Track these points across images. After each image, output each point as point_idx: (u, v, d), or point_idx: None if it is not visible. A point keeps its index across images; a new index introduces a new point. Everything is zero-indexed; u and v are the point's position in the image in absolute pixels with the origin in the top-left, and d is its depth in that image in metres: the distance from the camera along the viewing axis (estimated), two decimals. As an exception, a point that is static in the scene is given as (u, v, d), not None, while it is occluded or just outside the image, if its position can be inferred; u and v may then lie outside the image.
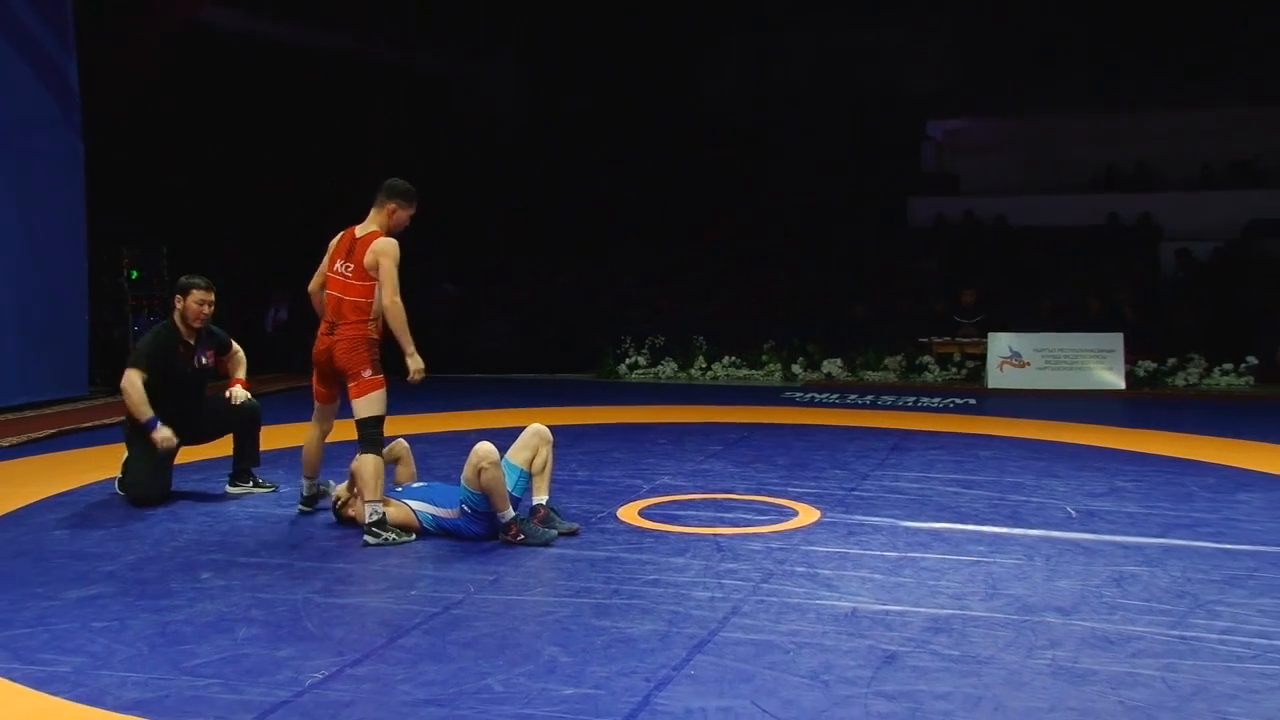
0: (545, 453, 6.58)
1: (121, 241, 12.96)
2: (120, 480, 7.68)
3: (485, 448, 6.29)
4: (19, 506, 7.36)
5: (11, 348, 11.07)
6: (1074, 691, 4.29)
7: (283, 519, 7.02)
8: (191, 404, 7.60)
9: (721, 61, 21.23)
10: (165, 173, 15.55)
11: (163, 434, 7.28)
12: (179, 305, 7.55)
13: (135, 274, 13.11)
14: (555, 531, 6.40)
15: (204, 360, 7.68)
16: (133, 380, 7.27)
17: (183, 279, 7.64)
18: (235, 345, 8.00)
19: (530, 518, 6.40)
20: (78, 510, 7.29)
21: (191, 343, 7.57)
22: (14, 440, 9.67)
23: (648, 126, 19.61)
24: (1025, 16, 19.33)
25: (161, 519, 7.02)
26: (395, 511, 6.56)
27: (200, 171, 16.19)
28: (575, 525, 6.60)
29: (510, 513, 6.32)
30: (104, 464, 8.67)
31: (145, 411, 7.27)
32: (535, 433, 6.63)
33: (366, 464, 6.46)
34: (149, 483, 7.40)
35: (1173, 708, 4.16)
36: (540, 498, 6.53)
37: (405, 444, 7.16)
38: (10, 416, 10.71)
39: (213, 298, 7.60)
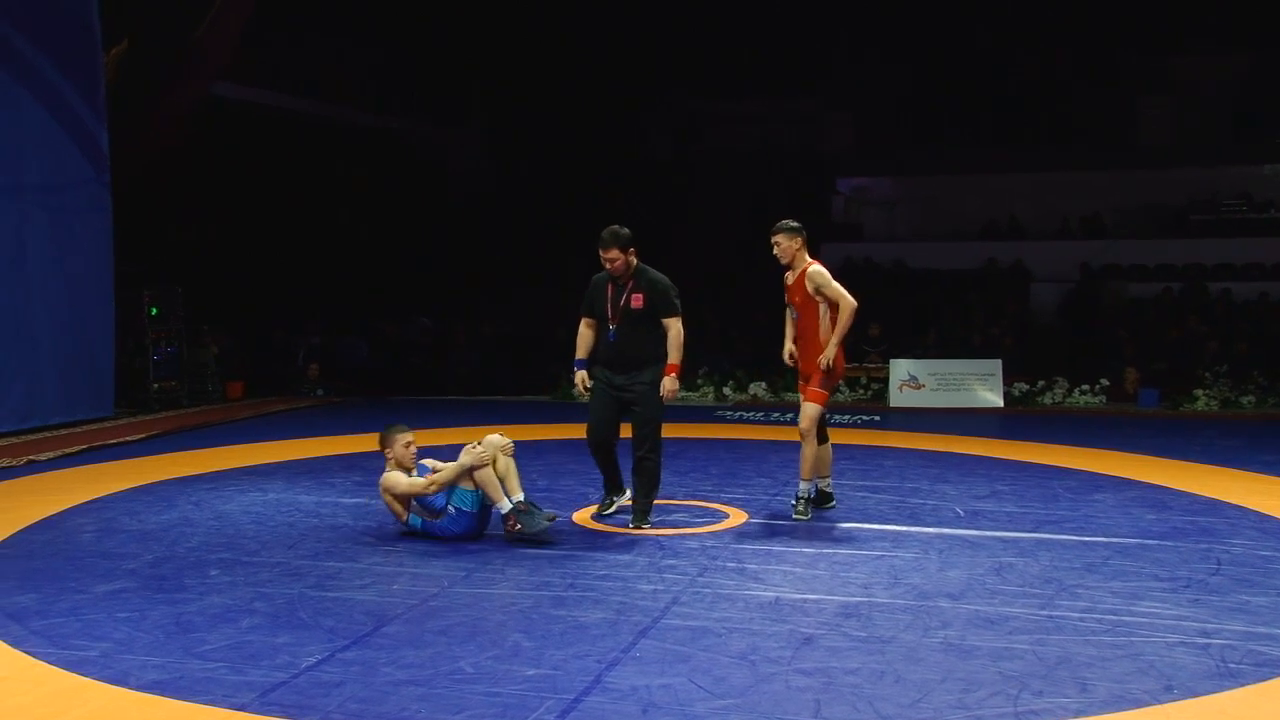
0: (503, 460, 6.33)
1: (144, 283, 12.85)
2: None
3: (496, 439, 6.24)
4: (55, 512, 7.22)
5: (49, 374, 11.02)
6: (961, 665, 4.32)
7: (281, 523, 6.91)
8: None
9: (662, 123, 21.30)
10: (182, 224, 15.43)
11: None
12: None
13: (155, 311, 12.99)
14: (545, 522, 6.19)
15: (631, 302, 7.18)
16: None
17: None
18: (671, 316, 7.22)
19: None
20: (105, 516, 7.15)
21: (620, 286, 7.18)
22: (51, 455, 9.51)
23: (595, 181, 19.59)
24: (913, 94, 19.59)
25: (175, 524, 6.90)
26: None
27: (212, 223, 16.06)
28: (554, 513, 6.44)
29: (507, 504, 6.18)
30: (127, 475, 8.54)
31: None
32: (489, 442, 6.35)
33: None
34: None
35: (1042, 676, 4.20)
36: (517, 495, 6.27)
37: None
38: (47, 434, 10.57)
39: (611, 254, 7.10)
